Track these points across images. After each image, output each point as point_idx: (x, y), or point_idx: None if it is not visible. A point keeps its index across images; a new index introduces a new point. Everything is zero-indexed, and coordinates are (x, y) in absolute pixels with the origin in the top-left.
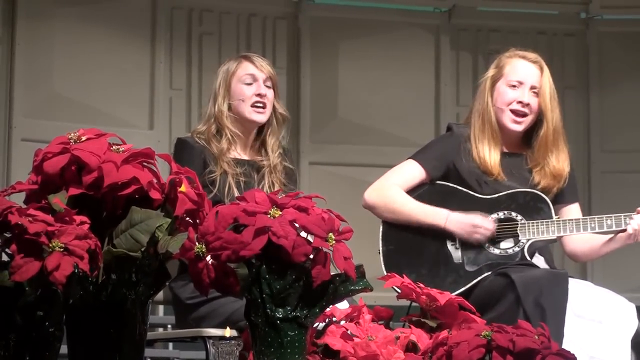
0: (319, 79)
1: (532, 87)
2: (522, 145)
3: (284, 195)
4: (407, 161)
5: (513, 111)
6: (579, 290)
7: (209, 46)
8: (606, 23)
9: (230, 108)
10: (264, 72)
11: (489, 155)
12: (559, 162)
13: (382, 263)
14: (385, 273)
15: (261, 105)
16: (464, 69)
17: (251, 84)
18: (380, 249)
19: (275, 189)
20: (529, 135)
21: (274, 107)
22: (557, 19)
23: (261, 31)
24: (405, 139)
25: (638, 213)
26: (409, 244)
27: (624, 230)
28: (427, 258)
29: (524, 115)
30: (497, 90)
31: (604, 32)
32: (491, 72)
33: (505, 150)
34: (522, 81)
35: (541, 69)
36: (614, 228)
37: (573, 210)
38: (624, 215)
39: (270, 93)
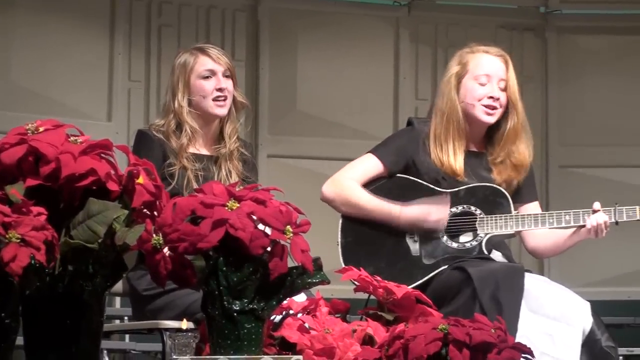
0: (278, 72)
1: (500, 81)
2: (485, 142)
3: (242, 187)
4: (366, 155)
5: (485, 106)
6: (534, 286)
7: (168, 38)
8: (565, 17)
9: (190, 103)
10: (221, 64)
11: (454, 156)
12: (521, 153)
13: (341, 255)
14: (344, 265)
15: (222, 98)
16: (423, 63)
17: (210, 77)
18: (339, 241)
19: (233, 177)
20: (491, 131)
21: (233, 97)
22: (517, 13)
23: (220, 23)
24: (364, 132)
25: (594, 212)
26: (367, 237)
27: (583, 226)
28: (385, 251)
29: (495, 108)
30: (463, 87)
31: (563, 26)
32: (455, 69)
33: (469, 149)
34: (490, 75)
35: (506, 63)
36: (572, 224)
37: (532, 209)
38: (582, 212)
39: (230, 84)
